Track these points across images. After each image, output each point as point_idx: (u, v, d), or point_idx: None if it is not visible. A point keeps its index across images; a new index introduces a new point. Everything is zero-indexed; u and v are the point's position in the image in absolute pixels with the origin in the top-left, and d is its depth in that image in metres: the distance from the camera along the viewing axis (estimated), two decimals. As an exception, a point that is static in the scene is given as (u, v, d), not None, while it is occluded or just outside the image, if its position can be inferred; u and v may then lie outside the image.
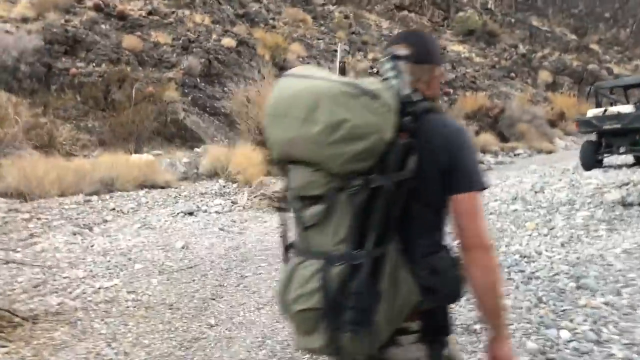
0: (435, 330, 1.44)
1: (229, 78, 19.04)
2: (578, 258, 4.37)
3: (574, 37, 42.94)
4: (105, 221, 8.00)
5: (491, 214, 6.66)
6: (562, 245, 4.86)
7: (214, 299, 4.17)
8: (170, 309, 3.96)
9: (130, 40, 18.40)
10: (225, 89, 18.41)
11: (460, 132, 1.44)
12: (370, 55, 28.92)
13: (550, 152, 19.88)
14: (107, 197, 8.98)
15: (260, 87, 13.43)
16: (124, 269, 5.21)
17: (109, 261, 5.53)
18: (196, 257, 5.52)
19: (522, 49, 37.00)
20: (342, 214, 1.31)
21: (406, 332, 1.41)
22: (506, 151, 19.23)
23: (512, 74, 32.80)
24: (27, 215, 7.74)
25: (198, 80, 18.42)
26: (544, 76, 32.86)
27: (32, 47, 15.86)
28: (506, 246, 4.93)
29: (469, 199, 1.40)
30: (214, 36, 21.51)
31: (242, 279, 4.69)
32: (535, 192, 7.51)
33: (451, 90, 27.08)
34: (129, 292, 4.37)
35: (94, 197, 8.84)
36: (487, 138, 19.21)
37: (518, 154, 19.01)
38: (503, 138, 20.87)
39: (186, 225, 7.46)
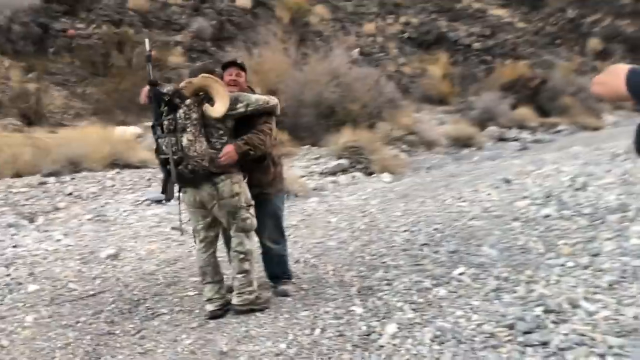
0: None
1: (242, 43, 17.56)
2: (637, 318, 2.87)
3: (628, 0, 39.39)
4: (57, 209, 6.84)
5: (515, 219, 5.13)
6: (610, 287, 3.33)
7: (81, 364, 2.88)
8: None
9: (136, 0, 17.10)
10: (239, 54, 16.98)
11: None
12: (402, 19, 26.82)
13: (596, 128, 17.72)
14: (68, 178, 7.80)
15: (262, 53, 11.94)
16: (14, 290, 3.98)
17: (7, 275, 4.31)
18: (113, 276, 4.23)
19: (570, 13, 33.98)
20: None
21: None
22: (546, 127, 17.25)
23: (558, 41, 30.12)
24: (-38, 201, 6.64)
25: (208, 44, 17.04)
26: (594, 43, 30.01)
27: (28, 5, 14.76)
28: (526, 284, 3.44)
29: None
30: (229, -4, 19.98)
31: (146, 322, 3.36)
32: (576, 190, 5.91)
33: (489, 58, 24.92)
34: (-23, 341, 3.12)
35: (52, 179, 7.67)
36: (525, 112, 17.26)
37: (559, 131, 16.99)
38: (543, 112, 18.80)
39: (140, 219, 6.21)
